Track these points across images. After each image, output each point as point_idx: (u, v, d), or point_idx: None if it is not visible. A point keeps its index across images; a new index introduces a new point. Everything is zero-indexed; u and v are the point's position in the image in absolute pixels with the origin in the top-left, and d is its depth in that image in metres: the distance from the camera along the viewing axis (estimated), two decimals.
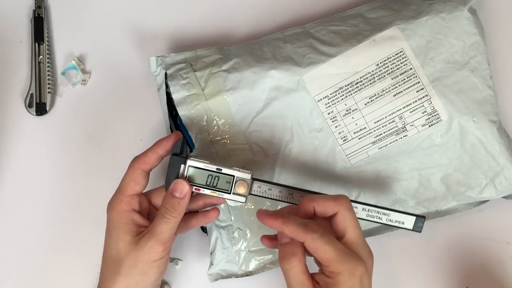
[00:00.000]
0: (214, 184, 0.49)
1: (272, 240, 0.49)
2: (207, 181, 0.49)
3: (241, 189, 0.49)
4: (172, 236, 0.48)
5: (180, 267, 0.58)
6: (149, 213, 0.51)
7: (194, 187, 0.49)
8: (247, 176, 0.49)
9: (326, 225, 0.45)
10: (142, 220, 0.49)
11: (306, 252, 0.45)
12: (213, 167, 0.48)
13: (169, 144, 0.49)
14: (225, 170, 0.49)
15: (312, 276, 0.44)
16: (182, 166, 0.48)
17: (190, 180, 0.48)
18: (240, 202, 0.49)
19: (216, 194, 0.49)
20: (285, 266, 0.44)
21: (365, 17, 0.57)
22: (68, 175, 0.60)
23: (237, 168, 0.49)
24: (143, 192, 0.50)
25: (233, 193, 0.49)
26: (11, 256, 0.59)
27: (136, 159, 0.49)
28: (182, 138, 0.49)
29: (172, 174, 0.48)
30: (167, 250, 0.48)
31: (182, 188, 0.47)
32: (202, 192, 0.49)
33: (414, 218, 0.49)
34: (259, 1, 0.63)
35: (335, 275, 0.43)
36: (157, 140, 0.50)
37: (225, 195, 0.49)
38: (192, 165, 0.48)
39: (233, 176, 0.49)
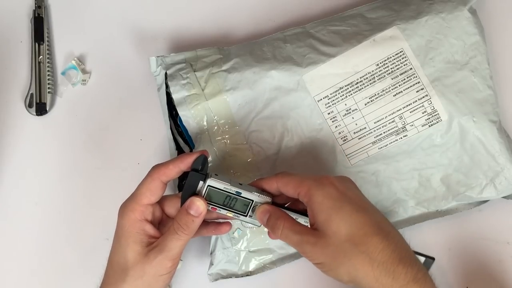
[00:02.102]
0: (231, 206, 0.48)
1: None
2: (224, 201, 0.48)
3: None
4: (181, 252, 0.47)
5: (180, 267, 0.58)
6: (161, 221, 0.50)
7: (211, 206, 0.47)
8: (266, 201, 0.48)
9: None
10: (153, 231, 0.48)
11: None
12: (233, 190, 0.47)
13: (192, 161, 0.48)
14: (244, 194, 0.47)
15: (307, 227, 0.45)
16: (201, 183, 0.47)
17: (207, 198, 0.47)
18: (256, 225, 0.49)
19: (232, 215, 0.48)
20: (278, 231, 0.46)
21: (365, 17, 0.57)
22: (68, 175, 0.60)
23: (257, 193, 0.48)
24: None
25: (249, 216, 0.48)
26: (11, 256, 0.59)
27: (156, 169, 0.48)
28: (206, 156, 0.48)
29: (190, 190, 0.47)
30: (175, 266, 0.47)
31: (198, 207, 0.46)
32: (218, 211, 0.48)
33: (423, 259, 0.50)
34: (259, 1, 0.63)
35: (307, 194, 0.44)
36: (181, 154, 0.49)
37: (241, 217, 0.48)
38: (211, 185, 0.47)
39: (252, 200, 0.48)
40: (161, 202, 0.50)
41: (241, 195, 0.47)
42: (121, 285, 0.46)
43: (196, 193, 0.47)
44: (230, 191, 0.47)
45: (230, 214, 0.48)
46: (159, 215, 0.50)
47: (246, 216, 0.48)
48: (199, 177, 0.47)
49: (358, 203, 0.44)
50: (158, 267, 0.46)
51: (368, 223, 0.43)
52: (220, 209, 0.48)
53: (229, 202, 0.48)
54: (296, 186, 0.45)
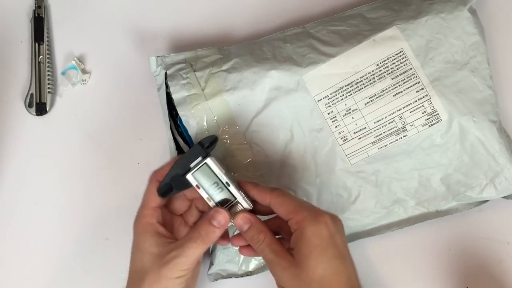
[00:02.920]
0: (208, 193, 0.48)
1: (246, 247, 0.49)
2: (211, 185, 0.48)
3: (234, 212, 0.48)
4: (198, 258, 0.47)
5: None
6: (172, 224, 0.51)
7: (196, 184, 0.48)
8: (246, 206, 0.48)
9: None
10: (166, 233, 0.48)
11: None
12: (224, 179, 0.47)
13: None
14: (231, 188, 0.47)
15: (286, 248, 0.46)
16: (199, 158, 0.47)
17: (196, 175, 0.47)
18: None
19: (210, 203, 0.48)
20: (257, 244, 0.46)
21: (365, 17, 0.57)
22: (68, 175, 0.60)
23: (243, 194, 0.48)
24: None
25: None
26: (10, 256, 0.59)
27: (154, 172, 0.50)
28: (216, 138, 0.49)
29: (186, 160, 0.47)
30: (191, 268, 0.47)
31: (221, 219, 0.47)
32: (200, 192, 0.48)
33: None
34: (259, 1, 0.63)
35: (299, 223, 0.44)
36: (177, 155, 0.50)
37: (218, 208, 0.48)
38: (208, 164, 0.47)
39: (235, 198, 0.48)
40: (167, 203, 0.51)
41: (229, 188, 0.47)
42: None
43: (189, 168, 0.47)
44: (221, 179, 0.47)
45: (209, 202, 0.48)
46: (169, 218, 0.50)
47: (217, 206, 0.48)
48: (201, 152, 0.47)
49: (341, 250, 0.45)
50: (174, 271, 0.46)
51: (343, 272, 0.44)
52: (203, 191, 0.48)
53: (214, 189, 0.47)
54: (291, 211, 0.45)
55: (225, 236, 0.50)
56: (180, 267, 0.46)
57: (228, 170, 0.50)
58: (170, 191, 0.48)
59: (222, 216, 0.47)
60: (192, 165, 0.48)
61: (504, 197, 0.56)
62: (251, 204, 0.48)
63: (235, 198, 0.48)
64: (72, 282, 0.58)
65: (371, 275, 0.57)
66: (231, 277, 0.56)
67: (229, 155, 0.55)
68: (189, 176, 0.48)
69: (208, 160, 0.47)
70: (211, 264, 0.56)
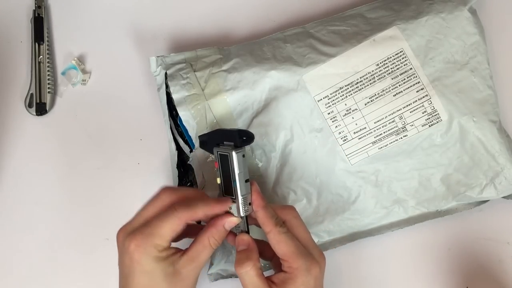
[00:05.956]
0: (222, 176, 0.48)
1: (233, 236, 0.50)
2: (225, 172, 0.48)
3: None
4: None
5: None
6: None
7: (215, 161, 0.48)
8: (239, 213, 0.47)
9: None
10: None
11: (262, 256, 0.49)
12: (235, 178, 0.47)
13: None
14: (236, 190, 0.47)
15: (269, 278, 0.47)
16: (231, 146, 0.47)
17: (219, 155, 0.48)
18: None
19: (219, 181, 0.48)
20: (240, 270, 0.46)
21: (365, 17, 0.57)
22: (68, 175, 0.60)
23: (244, 202, 0.47)
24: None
25: (223, 194, 0.48)
26: (10, 256, 0.59)
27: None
28: (253, 137, 0.48)
29: (224, 136, 0.48)
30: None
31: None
32: (216, 170, 0.48)
33: None
34: (259, 1, 0.63)
35: (293, 270, 0.46)
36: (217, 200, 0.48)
37: (219, 191, 0.49)
38: (231, 156, 0.47)
39: (233, 198, 0.47)
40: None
41: (235, 188, 0.47)
42: None
43: (223, 142, 0.49)
44: (233, 176, 0.47)
45: (218, 181, 0.49)
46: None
47: (222, 193, 0.49)
48: (236, 140, 0.48)
49: None
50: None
51: None
52: (218, 171, 0.48)
53: (225, 177, 0.48)
54: (288, 255, 0.46)
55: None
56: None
57: (248, 174, 0.50)
58: (204, 146, 0.51)
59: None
60: (225, 142, 0.49)
61: (504, 197, 0.56)
62: (242, 215, 0.47)
63: (235, 199, 0.47)
64: (72, 282, 0.58)
65: (371, 275, 0.57)
66: (231, 277, 0.56)
67: None
68: (214, 150, 0.49)
69: (233, 154, 0.47)
70: (211, 264, 0.56)
